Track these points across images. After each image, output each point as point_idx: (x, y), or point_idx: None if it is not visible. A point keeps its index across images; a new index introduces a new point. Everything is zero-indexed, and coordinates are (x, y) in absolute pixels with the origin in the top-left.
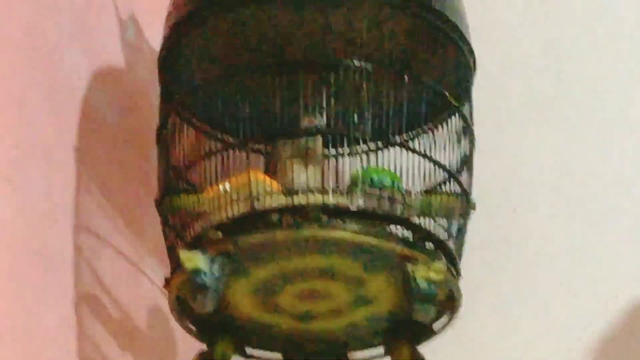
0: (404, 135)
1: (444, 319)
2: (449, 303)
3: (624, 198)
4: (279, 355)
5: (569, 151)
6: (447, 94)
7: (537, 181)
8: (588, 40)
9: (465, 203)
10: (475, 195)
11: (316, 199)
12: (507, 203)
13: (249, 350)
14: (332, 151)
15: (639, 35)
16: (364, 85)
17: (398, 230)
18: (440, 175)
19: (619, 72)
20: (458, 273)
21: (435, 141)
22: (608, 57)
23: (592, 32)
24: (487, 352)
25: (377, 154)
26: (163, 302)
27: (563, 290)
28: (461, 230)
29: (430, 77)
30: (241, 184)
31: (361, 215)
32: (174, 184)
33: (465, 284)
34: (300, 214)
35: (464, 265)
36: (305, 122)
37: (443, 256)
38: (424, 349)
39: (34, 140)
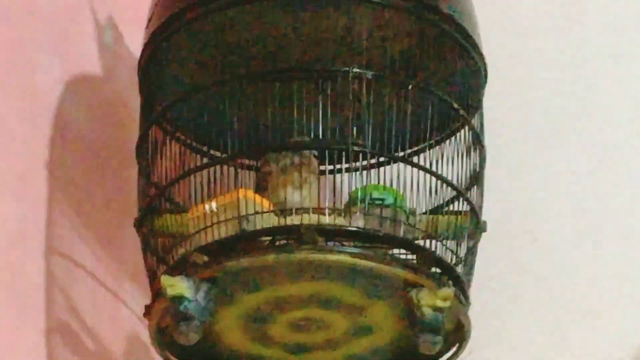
0: (408, 149)
1: (451, 351)
2: (458, 333)
3: None
4: None
5: (592, 178)
6: (455, 104)
7: (559, 209)
8: (613, 58)
9: (475, 223)
10: (493, 223)
11: (311, 219)
12: (528, 231)
13: None
14: (329, 167)
15: None
16: (364, 95)
17: (401, 253)
18: (448, 193)
19: None
20: (467, 300)
21: (442, 156)
22: (632, 79)
23: (617, 50)
24: None
25: (378, 169)
26: (143, 331)
27: (585, 324)
28: (471, 254)
29: (437, 86)
30: (229, 203)
31: (361, 236)
32: (156, 203)
33: (480, 316)
34: (293, 236)
35: (480, 295)
36: (299, 135)
37: (451, 282)
38: None
39: (3, 155)
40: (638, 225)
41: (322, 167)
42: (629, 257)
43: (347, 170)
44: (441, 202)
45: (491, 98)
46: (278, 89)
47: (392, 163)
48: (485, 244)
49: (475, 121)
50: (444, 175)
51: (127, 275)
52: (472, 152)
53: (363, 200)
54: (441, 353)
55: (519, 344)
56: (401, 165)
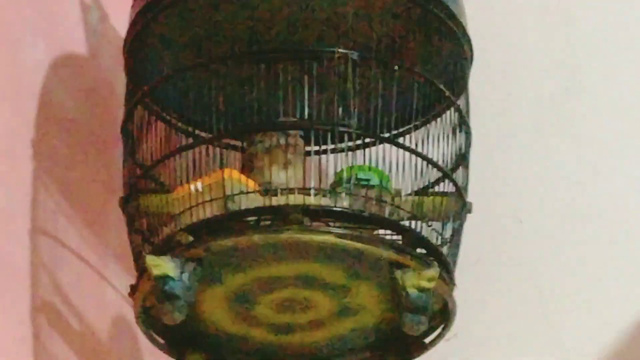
0: (394, 130)
1: (436, 332)
2: (442, 314)
3: (636, 212)
4: None
5: (579, 160)
6: (440, 85)
7: (545, 191)
8: (600, 44)
9: (460, 204)
10: (477, 204)
11: (297, 199)
12: (513, 213)
13: None
14: (315, 147)
15: None
16: (350, 76)
17: (387, 234)
18: (434, 174)
19: (630, 79)
20: (452, 281)
21: (428, 137)
22: (619, 63)
23: (604, 36)
24: None
25: (364, 150)
26: (128, 311)
27: (569, 306)
28: (456, 235)
29: (423, 67)
30: (214, 183)
31: (346, 217)
32: (141, 183)
33: (465, 300)
34: (279, 216)
35: (465, 278)
36: (285, 116)
37: (436, 263)
38: None
39: None
40: (623, 208)
41: (307, 148)
42: (613, 240)
43: (333, 150)
44: (427, 183)
45: (477, 79)
46: (263, 69)
47: (377, 144)
48: (470, 225)
49: (460, 102)
50: (430, 156)
51: (112, 255)
52: (457, 134)
53: (348, 181)
54: (426, 334)
55: (503, 325)
56: (387, 146)
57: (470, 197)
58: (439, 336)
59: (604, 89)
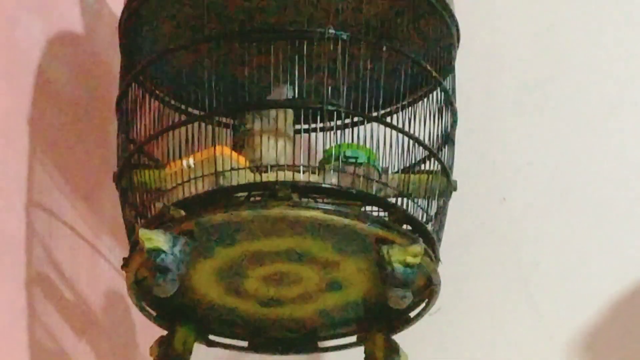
0: (382, 109)
1: (421, 307)
2: (427, 289)
3: (618, 189)
4: (244, 343)
5: (561, 139)
6: (427, 66)
7: (528, 169)
8: (583, 25)
9: (445, 182)
10: (462, 183)
11: (286, 176)
12: (496, 192)
13: (211, 337)
14: (304, 125)
15: (637, 21)
16: (339, 56)
17: (373, 210)
18: (420, 152)
19: (614, 59)
20: (437, 257)
21: (414, 116)
22: (603, 43)
23: (588, 17)
24: (469, 347)
25: (352, 129)
26: (121, 284)
27: (552, 285)
28: (441, 212)
29: (411, 48)
30: (206, 160)
31: (334, 194)
32: (135, 159)
33: (449, 276)
34: (268, 192)
35: (448, 256)
36: (275, 94)
37: (421, 239)
38: (400, 339)
39: None
40: (607, 188)
41: (297, 126)
42: (597, 220)
43: (322, 129)
44: (413, 161)
45: (463, 61)
46: (255, 49)
47: (365, 123)
48: (455, 203)
49: (447, 83)
50: (417, 135)
51: (106, 229)
52: (443, 113)
53: (337, 159)
54: (410, 308)
55: (486, 301)
56: (375, 125)
57: (455, 176)
58: (423, 310)
59: (587, 68)
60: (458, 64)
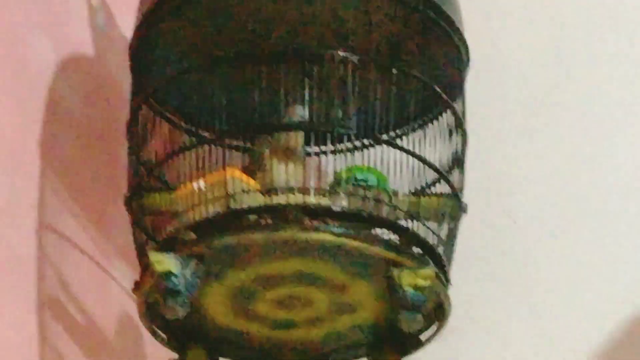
0: (392, 132)
1: (431, 329)
2: (438, 312)
3: (629, 208)
4: None
5: (572, 160)
6: (438, 89)
7: (538, 191)
8: (589, 43)
9: (456, 205)
10: (472, 205)
11: (297, 198)
12: (507, 214)
13: None
14: (315, 148)
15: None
16: (349, 79)
17: (384, 233)
18: (430, 175)
19: (620, 77)
20: (447, 280)
21: (425, 139)
22: (609, 61)
23: (595, 32)
24: None
25: (362, 151)
26: (132, 307)
27: (562, 306)
28: (452, 235)
29: (420, 70)
30: (217, 182)
31: (344, 216)
32: (145, 182)
33: (459, 297)
34: (279, 215)
35: (459, 277)
36: (286, 117)
37: (431, 262)
38: None
39: None
40: (616, 208)
41: (308, 149)
42: (607, 240)
43: (332, 152)
44: (423, 184)
45: (473, 81)
46: (265, 71)
47: (376, 145)
48: (465, 225)
49: (457, 105)
50: (427, 158)
51: (117, 252)
52: (454, 136)
53: (347, 181)
54: (421, 331)
55: (496, 323)
56: (385, 147)
57: (465, 198)
58: (435, 333)
59: (592, 87)
60: (467, 84)
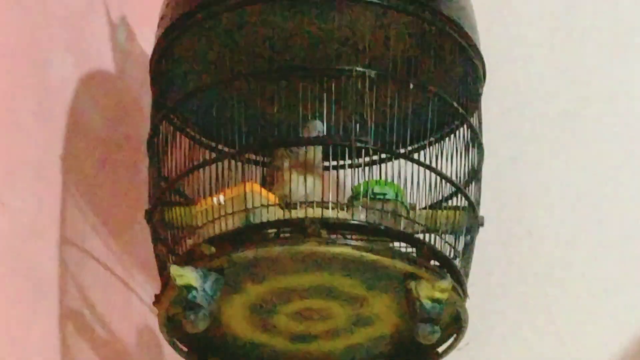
0: (409, 146)
1: (449, 342)
2: (455, 324)
3: None
4: None
5: (588, 172)
6: (454, 103)
7: (554, 203)
8: (610, 57)
9: (473, 218)
10: (488, 217)
11: (315, 212)
12: (522, 225)
13: None
14: (333, 162)
15: None
16: (367, 93)
17: (401, 246)
18: (447, 188)
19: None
20: (465, 293)
21: (442, 153)
22: (630, 75)
23: (614, 52)
24: None
25: (380, 165)
26: (153, 320)
27: (579, 319)
28: (468, 248)
29: (437, 84)
30: (236, 196)
31: (363, 230)
32: (166, 196)
33: (476, 309)
34: (298, 229)
35: (475, 289)
36: (305, 132)
37: (449, 275)
38: None
39: (21, 149)
40: (634, 221)
41: (326, 163)
42: (624, 254)
43: (350, 166)
44: (440, 197)
45: (489, 95)
46: (284, 87)
47: (393, 159)
48: (482, 238)
49: (473, 119)
50: (444, 171)
51: (138, 266)
52: (470, 150)
53: (365, 195)
54: (439, 343)
55: (513, 336)
56: (402, 161)
57: (481, 211)
58: (452, 345)
59: (612, 100)
60: (483, 99)
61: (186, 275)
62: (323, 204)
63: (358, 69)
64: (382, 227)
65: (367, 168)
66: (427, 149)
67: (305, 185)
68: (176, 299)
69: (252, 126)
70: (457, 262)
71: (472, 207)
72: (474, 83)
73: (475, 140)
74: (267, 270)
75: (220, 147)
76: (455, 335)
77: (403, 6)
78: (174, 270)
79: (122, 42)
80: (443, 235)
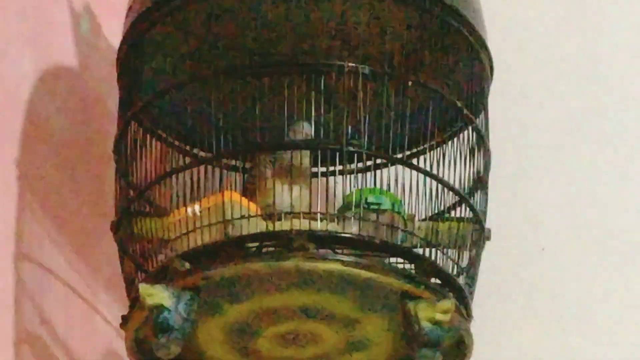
0: (407, 150)
1: None
2: (458, 349)
3: None
4: None
5: (602, 187)
6: (457, 102)
7: (568, 218)
8: (625, 64)
9: (478, 231)
10: (499, 232)
11: (302, 224)
12: (535, 241)
13: None
14: (322, 168)
15: None
16: (360, 91)
17: (398, 262)
18: (450, 198)
19: None
20: (469, 314)
21: (444, 158)
22: None
23: (628, 56)
24: None
25: (375, 172)
26: (119, 344)
27: (592, 338)
28: (473, 263)
29: (439, 82)
30: (213, 206)
31: (355, 244)
32: (135, 206)
33: (484, 330)
34: (282, 242)
35: (483, 309)
36: (290, 134)
37: (451, 294)
38: None
39: None
40: None
41: (314, 169)
42: (637, 269)
43: (342, 172)
44: (442, 207)
45: (497, 97)
46: (267, 84)
47: (389, 165)
48: (489, 253)
49: (479, 121)
50: (446, 178)
51: (103, 283)
52: (475, 155)
53: (358, 205)
54: None
55: (524, 358)
56: (400, 167)
57: (488, 223)
58: None
59: (625, 113)
60: (491, 100)
61: (157, 294)
62: (311, 215)
63: (350, 64)
64: (377, 241)
65: (360, 175)
66: (428, 154)
67: (291, 194)
68: (146, 321)
69: (232, 128)
70: (460, 279)
71: (478, 219)
72: (479, 81)
73: (481, 144)
74: (247, 289)
75: (195, 151)
76: None
77: None
78: (144, 288)
79: (86, 34)
80: (445, 250)
